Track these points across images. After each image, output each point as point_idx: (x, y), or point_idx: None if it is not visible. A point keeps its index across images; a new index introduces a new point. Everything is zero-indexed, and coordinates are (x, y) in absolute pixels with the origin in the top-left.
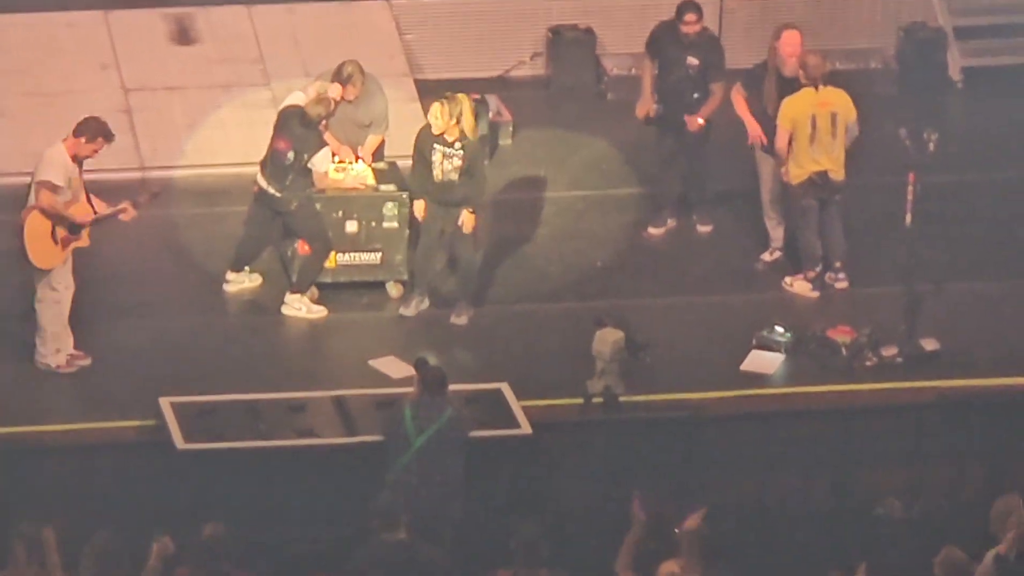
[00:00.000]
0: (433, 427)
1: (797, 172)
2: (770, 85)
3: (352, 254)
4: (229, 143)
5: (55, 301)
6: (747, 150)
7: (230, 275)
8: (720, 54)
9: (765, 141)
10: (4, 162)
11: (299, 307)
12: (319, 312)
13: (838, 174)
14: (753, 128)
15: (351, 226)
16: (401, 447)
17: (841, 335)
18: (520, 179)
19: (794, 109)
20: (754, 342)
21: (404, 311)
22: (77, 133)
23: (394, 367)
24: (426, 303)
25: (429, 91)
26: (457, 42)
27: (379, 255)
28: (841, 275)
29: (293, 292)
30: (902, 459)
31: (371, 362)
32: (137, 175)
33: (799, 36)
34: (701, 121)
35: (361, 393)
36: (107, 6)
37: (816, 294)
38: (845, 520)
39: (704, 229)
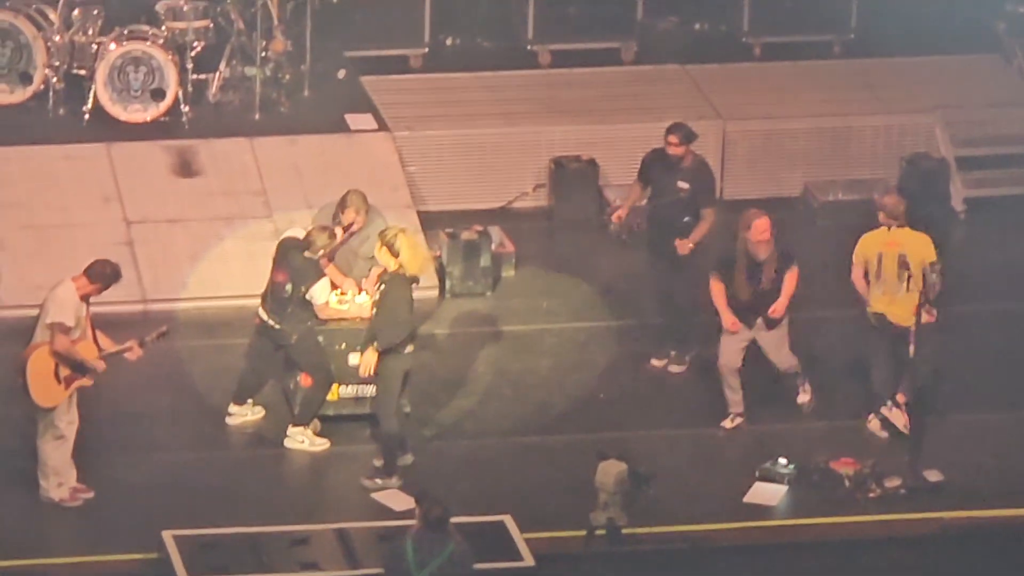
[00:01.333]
0: (435, 562)
1: (870, 306)
2: (740, 271)
3: (355, 387)
4: (231, 275)
5: (57, 437)
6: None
7: (233, 408)
8: (710, 179)
9: (737, 329)
10: (5, 295)
11: (302, 440)
12: (322, 445)
13: (900, 318)
14: (727, 318)
15: (354, 359)
16: None
17: (844, 467)
18: (522, 310)
19: (864, 246)
20: (757, 474)
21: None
22: (92, 278)
23: (397, 500)
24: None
25: (432, 223)
26: (460, 174)
27: None
28: (895, 410)
29: (296, 425)
30: None
31: (374, 495)
32: (139, 308)
33: (768, 222)
34: (691, 245)
35: (364, 526)
36: (109, 139)
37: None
38: None
39: (676, 369)
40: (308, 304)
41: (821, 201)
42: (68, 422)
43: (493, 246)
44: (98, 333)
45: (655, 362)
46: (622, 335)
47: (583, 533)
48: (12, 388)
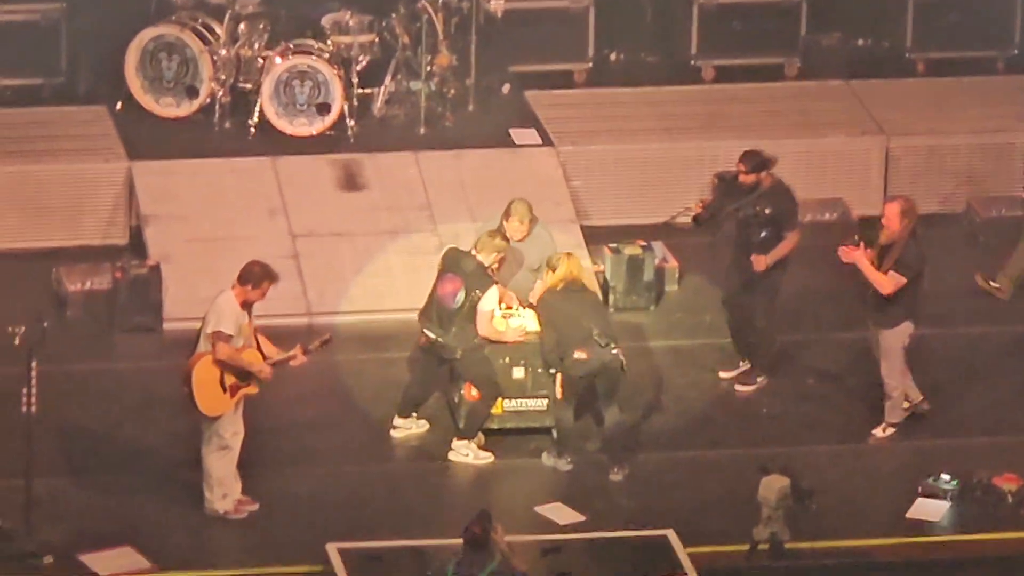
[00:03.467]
0: None
1: None
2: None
3: (519, 400)
4: (395, 289)
5: (222, 447)
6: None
7: (397, 420)
8: (791, 201)
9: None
10: (171, 308)
11: (466, 453)
12: (486, 458)
13: None
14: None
15: (518, 372)
16: None
17: (1007, 483)
18: (686, 325)
19: None
20: (920, 489)
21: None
22: (243, 281)
23: (561, 514)
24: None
25: (596, 238)
26: (623, 188)
27: (546, 401)
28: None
29: (460, 438)
30: None
31: (537, 508)
32: (304, 321)
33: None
34: (768, 262)
35: (528, 539)
36: (275, 152)
37: None
38: None
39: (743, 389)
40: (472, 318)
41: (984, 217)
42: (233, 433)
43: (656, 260)
44: (262, 341)
45: (723, 374)
46: (786, 349)
47: (746, 547)
48: (178, 400)
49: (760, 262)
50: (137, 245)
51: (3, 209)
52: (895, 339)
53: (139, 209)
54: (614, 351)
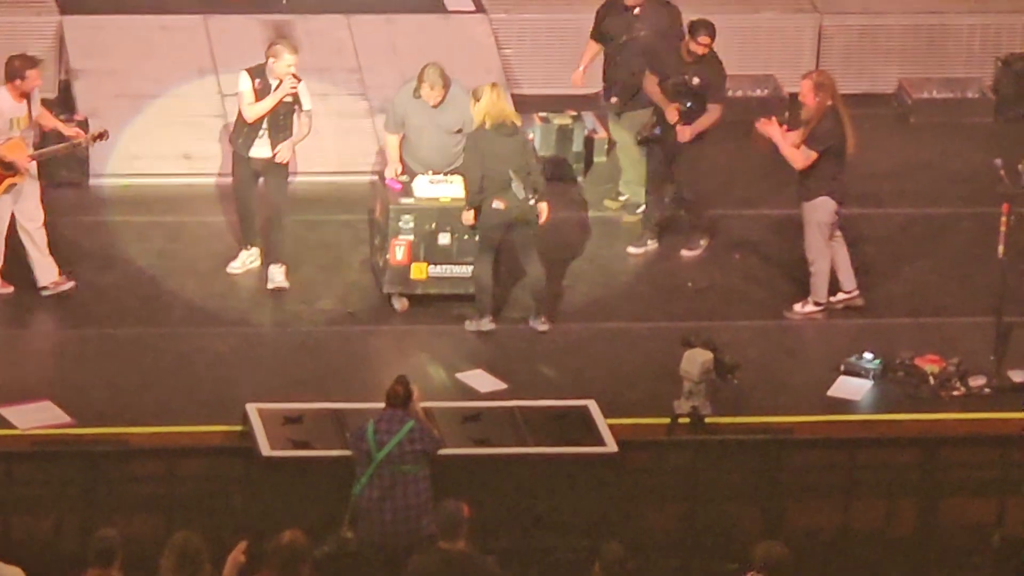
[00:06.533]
0: (393, 440)
1: None
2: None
3: (444, 266)
4: (325, 151)
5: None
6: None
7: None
8: (721, 75)
9: None
10: (97, 164)
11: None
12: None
13: None
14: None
15: (444, 238)
16: (364, 462)
17: (929, 364)
18: (613, 195)
19: None
20: (842, 368)
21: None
22: (9, 78)
23: (482, 381)
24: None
25: (527, 107)
26: (555, 58)
27: (471, 268)
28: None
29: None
30: (987, 489)
31: (458, 375)
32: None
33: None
34: (690, 134)
35: (449, 406)
36: (206, 11)
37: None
38: (929, 547)
39: (688, 254)
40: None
41: (915, 98)
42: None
43: (586, 131)
44: (62, 126)
45: (632, 249)
46: (712, 223)
47: (667, 421)
48: (103, 255)
49: (684, 132)
50: (65, 99)
51: None
52: (812, 212)
53: (68, 63)
54: (531, 202)
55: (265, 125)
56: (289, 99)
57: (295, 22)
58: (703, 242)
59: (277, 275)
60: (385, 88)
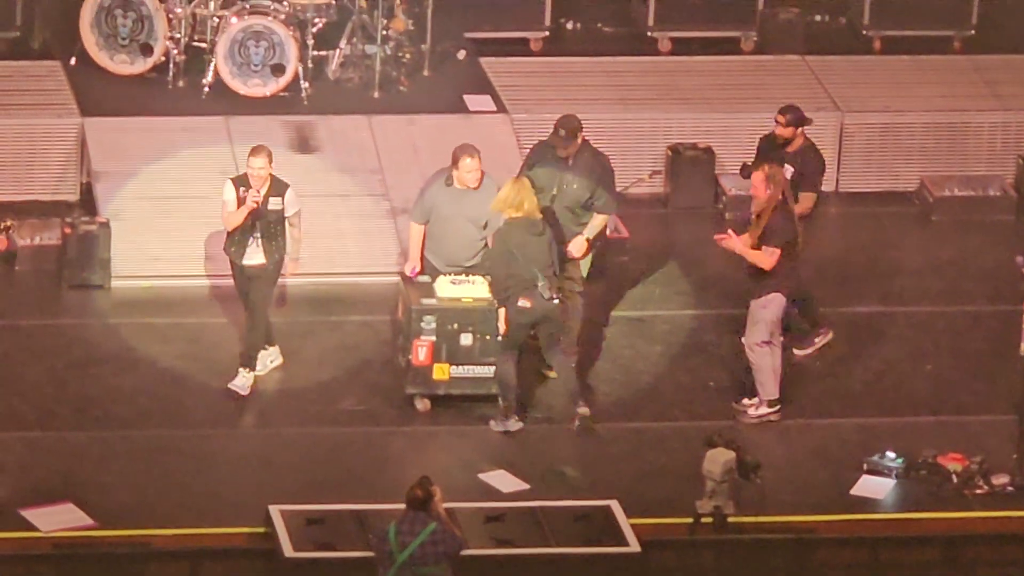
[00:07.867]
0: (415, 542)
1: None
2: None
3: (467, 367)
4: (346, 252)
5: None
6: None
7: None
8: (816, 164)
9: None
10: (119, 266)
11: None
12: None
13: None
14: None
15: (466, 339)
16: (387, 563)
17: (952, 462)
18: (635, 297)
19: None
20: (865, 466)
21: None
22: None
23: (504, 481)
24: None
25: None
26: None
27: (493, 368)
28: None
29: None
30: None
31: (481, 476)
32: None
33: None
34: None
35: (471, 506)
36: (228, 112)
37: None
38: None
39: (802, 354)
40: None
41: (936, 196)
42: None
43: (608, 232)
44: None
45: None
46: (734, 322)
47: (689, 520)
48: (123, 358)
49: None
50: (87, 202)
51: None
52: (761, 310)
53: (90, 165)
54: (555, 302)
55: (258, 233)
56: (277, 206)
57: (317, 123)
58: (819, 337)
59: (239, 379)
60: (407, 189)
